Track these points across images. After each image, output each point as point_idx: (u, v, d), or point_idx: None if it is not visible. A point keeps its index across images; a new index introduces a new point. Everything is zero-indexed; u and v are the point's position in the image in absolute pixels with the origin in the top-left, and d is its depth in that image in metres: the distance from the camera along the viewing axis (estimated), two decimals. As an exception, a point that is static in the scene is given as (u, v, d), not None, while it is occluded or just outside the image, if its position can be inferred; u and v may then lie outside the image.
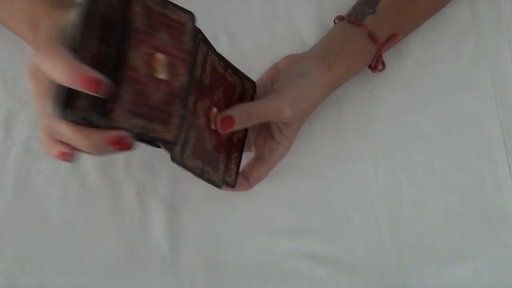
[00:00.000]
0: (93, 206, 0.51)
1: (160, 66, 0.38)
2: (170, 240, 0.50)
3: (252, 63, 0.55)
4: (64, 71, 0.34)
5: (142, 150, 0.52)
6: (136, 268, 0.50)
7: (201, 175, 0.43)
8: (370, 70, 0.54)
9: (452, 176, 0.53)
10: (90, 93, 0.34)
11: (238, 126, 0.45)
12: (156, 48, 0.38)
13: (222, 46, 0.56)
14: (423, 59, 0.55)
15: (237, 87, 0.48)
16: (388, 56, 0.55)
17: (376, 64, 0.53)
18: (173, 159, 0.41)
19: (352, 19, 0.51)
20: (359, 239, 0.51)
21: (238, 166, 0.48)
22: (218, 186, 0.45)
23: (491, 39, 0.57)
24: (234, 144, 0.48)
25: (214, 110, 0.45)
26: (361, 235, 0.51)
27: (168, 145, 0.40)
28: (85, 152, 0.38)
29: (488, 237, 0.51)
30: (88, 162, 0.52)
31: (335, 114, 0.55)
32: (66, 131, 0.36)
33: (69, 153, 0.38)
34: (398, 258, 0.50)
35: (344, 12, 0.53)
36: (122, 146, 0.37)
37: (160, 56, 0.38)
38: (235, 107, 0.46)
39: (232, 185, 0.47)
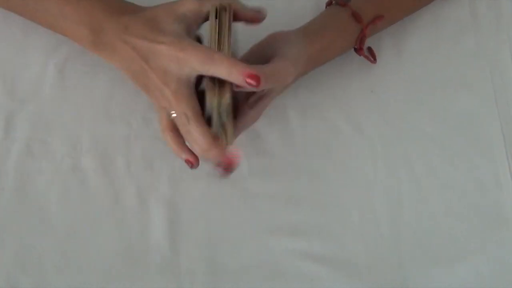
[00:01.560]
0: (93, 206, 0.51)
1: None
2: (170, 240, 0.50)
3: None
4: (233, 69, 0.41)
5: (142, 150, 0.53)
6: (136, 268, 0.49)
7: None
8: (368, 75, 0.54)
9: (452, 176, 0.53)
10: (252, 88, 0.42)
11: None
12: None
13: (222, 46, 0.56)
14: (423, 59, 0.56)
15: None
16: (388, 56, 0.55)
17: (361, 45, 0.53)
18: None
19: (339, 1, 0.52)
20: (358, 238, 0.51)
21: None
22: None
23: (491, 38, 0.58)
24: None
25: None
26: (361, 235, 0.51)
27: None
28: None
29: (488, 237, 0.51)
30: (88, 162, 0.52)
31: (335, 114, 0.55)
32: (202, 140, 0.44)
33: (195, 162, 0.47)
34: (398, 258, 0.50)
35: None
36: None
37: None
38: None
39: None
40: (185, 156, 0.47)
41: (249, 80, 0.41)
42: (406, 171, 0.53)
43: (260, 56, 0.48)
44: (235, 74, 0.42)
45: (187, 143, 0.47)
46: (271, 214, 0.52)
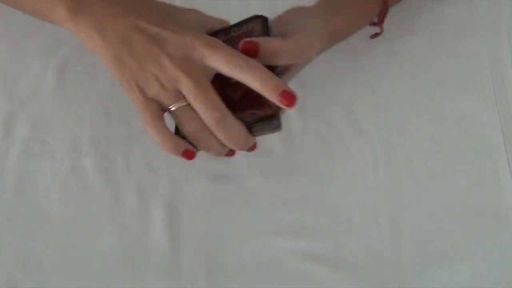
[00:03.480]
0: (93, 206, 0.51)
1: None
2: (170, 240, 0.50)
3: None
4: (269, 82, 0.39)
5: (142, 150, 0.53)
6: (136, 268, 0.49)
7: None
8: (369, 75, 0.54)
9: (452, 176, 0.53)
10: (283, 106, 0.40)
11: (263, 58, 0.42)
12: None
13: (222, 46, 0.56)
14: (423, 59, 0.56)
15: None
16: (388, 56, 0.55)
17: (383, 17, 0.52)
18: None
19: None
20: (359, 239, 0.51)
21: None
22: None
23: (491, 38, 0.57)
24: None
25: None
26: (361, 235, 0.51)
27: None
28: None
29: (487, 237, 0.51)
30: (88, 162, 0.52)
31: (335, 115, 0.55)
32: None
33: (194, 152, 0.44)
34: (398, 258, 0.50)
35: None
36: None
37: None
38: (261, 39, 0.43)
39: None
40: (184, 146, 0.43)
41: (282, 99, 0.39)
42: (406, 171, 0.53)
43: (279, 30, 0.45)
44: (269, 89, 0.39)
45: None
46: (271, 214, 0.52)
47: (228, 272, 0.50)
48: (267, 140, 0.54)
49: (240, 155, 0.50)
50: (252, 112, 0.43)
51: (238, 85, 0.41)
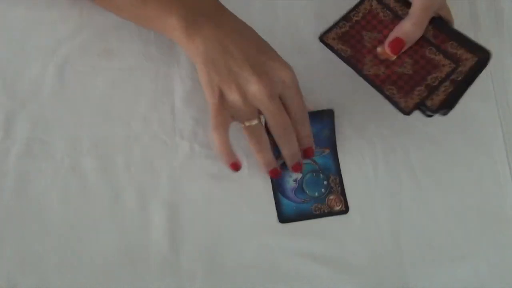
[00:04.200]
0: (93, 206, 0.51)
1: None
2: (170, 240, 0.50)
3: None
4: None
5: (142, 150, 0.53)
6: (136, 268, 0.49)
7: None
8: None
9: (452, 176, 0.53)
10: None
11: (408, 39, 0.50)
12: None
13: (222, 46, 0.56)
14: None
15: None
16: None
17: None
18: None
19: None
20: (359, 239, 0.51)
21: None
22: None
23: (491, 39, 0.57)
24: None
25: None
26: (361, 235, 0.51)
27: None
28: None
29: (488, 237, 0.51)
30: (88, 162, 0.52)
31: (336, 115, 0.54)
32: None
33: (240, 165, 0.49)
34: (398, 258, 0.50)
35: (343, 11, 0.53)
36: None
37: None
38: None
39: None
40: (235, 159, 0.48)
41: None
42: (407, 172, 0.53)
43: None
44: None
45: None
46: (271, 214, 0.52)
47: (228, 272, 0.50)
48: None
49: (240, 155, 0.50)
50: None
51: None
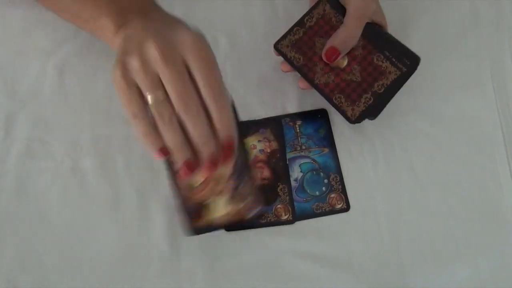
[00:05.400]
0: (93, 206, 0.51)
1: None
2: (170, 240, 0.50)
3: (252, 63, 0.55)
4: None
5: (142, 150, 0.53)
6: (136, 268, 0.49)
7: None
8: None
9: (452, 176, 0.53)
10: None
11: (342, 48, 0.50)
12: None
13: (222, 47, 0.56)
14: (423, 59, 0.55)
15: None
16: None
17: None
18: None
19: None
20: (359, 239, 0.51)
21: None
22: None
23: (491, 39, 0.58)
24: None
25: None
26: (361, 235, 0.51)
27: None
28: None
29: (488, 237, 0.51)
30: (88, 162, 0.52)
31: (336, 115, 0.54)
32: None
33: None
34: (398, 258, 0.50)
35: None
36: None
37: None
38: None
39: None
40: (161, 143, 0.41)
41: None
42: (407, 172, 0.53)
43: None
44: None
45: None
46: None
47: (228, 272, 0.50)
48: (267, 140, 0.54)
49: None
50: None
51: None
